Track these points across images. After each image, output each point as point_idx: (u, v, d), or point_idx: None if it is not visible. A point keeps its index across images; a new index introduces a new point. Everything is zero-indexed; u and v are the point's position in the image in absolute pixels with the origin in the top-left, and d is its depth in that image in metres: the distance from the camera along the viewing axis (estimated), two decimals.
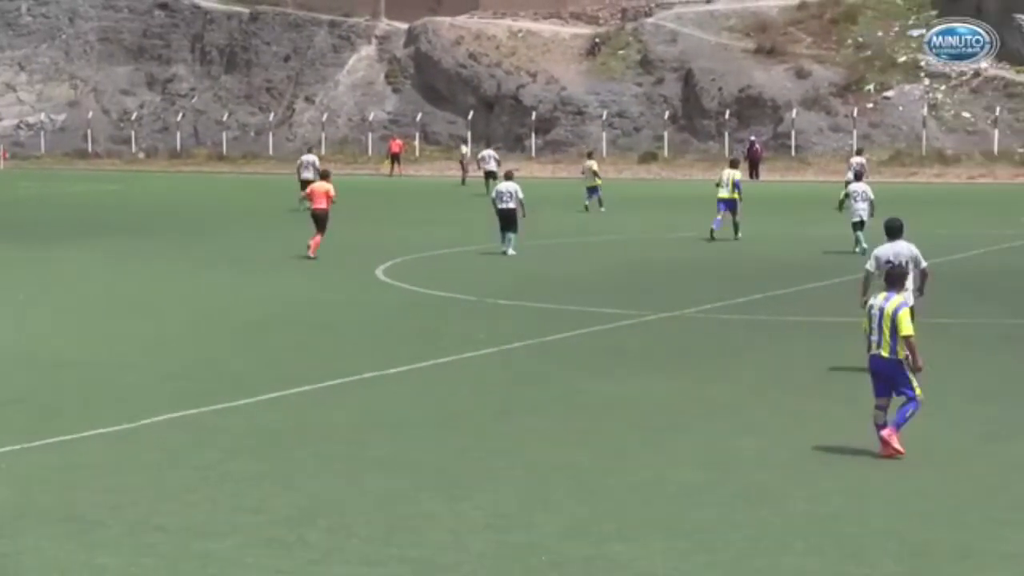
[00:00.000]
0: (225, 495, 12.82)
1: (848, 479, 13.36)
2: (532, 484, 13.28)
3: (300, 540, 11.46)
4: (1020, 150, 68.63)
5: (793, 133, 74.70)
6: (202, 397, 17.18)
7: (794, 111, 75.15)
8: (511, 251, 34.45)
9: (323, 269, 31.83)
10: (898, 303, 14.27)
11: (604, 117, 79.06)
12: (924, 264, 18.58)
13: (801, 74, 78.10)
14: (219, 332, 22.99)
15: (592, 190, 49.04)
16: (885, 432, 14.08)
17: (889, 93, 76.16)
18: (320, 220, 34.08)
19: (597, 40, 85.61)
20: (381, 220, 45.51)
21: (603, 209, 48.03)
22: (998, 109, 71.68)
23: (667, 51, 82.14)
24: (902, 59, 78.01)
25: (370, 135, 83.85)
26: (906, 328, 14.10)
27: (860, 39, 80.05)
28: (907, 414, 14.15)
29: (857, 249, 32.61)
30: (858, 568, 10.78)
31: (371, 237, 39.19)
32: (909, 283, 18.30)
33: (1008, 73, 75.66)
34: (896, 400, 14.33)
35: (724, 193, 38.64)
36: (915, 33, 79.88)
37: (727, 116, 76.47)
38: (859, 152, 57.07)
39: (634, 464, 14.02)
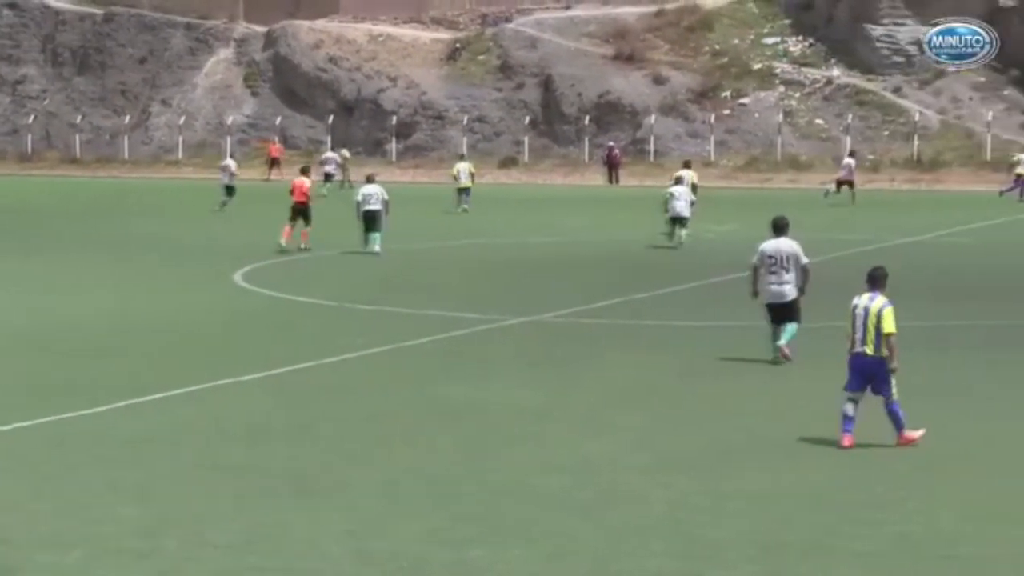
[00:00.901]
0: (75, 505, 12.54)
1: (706, 481, 13.46)
2: (391, 490, 13.18)
3: (154, 550, 11.24)
4: (870, 156, 69.92)
5: (652, 139, 75.37)
6: (53, 405, 16.80)
7: (652, 117, 75.83)
8: (377, 248, 34.94)
9: (180, 275, 31.42)
10: (883, 302, 14.71)
11: (464, 122, 79.11)
12: (805, 261, 19.59)
13: (659, 80, 78.86)
14: (70, 338, 22.53)
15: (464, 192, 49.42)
16: (902, 440, 14.67)
17: (745, 100, 77.22)
18: (303, 212, 36.30)
19: (457, 45, 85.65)
20: (241, 224, 45.04)
21: (466, 208, 48.70)
22: (849, 116, 72.99)
23: (527, 57, 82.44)
24: (757, 66, 79.12)
25: (228, 139, 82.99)
26: (889, 326, 14.56)
27: (716, 46, 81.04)
28: (897, 411, 14.70)
29: (672, 243, 36.32)
30: (715, 570, 10.85)
31: (230, 241, 38.74)
32: (791, 277, 19.41)
33: (859, 81, 77.10)
34: (859, 398, 14.78)
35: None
36: (770, 41, 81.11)
37: (586, 121, 76.93)
38: (851, 154, 58.76)
39: (494, 469, 13.99)
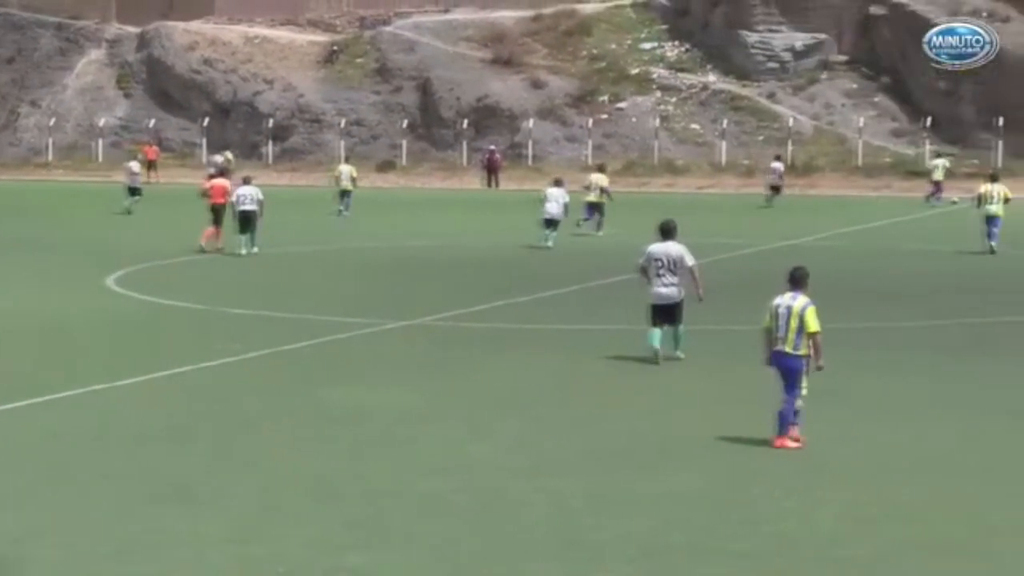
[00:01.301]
0: None
1: (587, 483, 13.49)
2: (271, 495, 13.06)
3: (25, 559, 11.01)
4: (745, 161, 70.76)
5: (530, 143, 75.58)
6: None
7: (530, 121, 76.06)
8: (255, 249, 35.17)
9: (52, 279, 30.88)
10: (805, 302, 14.97)
11: (342, 125, 78.72)
12: (692, 263, 20.06)
13: (537, 85, 79.12)
14: None
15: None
16: (776, 442, 14.75)
17: (622, 104, 77.73)
18: (219, 213, 36.67)
19: (335, 48, 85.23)
20: (116, 227, 44.42)
21: (343, 211, 48.68)
22: (724, 122, 73.77)
23: (405, 60, 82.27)
24: (634, 71, 79.68)
25: (100, 141, 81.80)
26: (813, 325, 14.83)
27: (594, 51, 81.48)
28: (789, 415, 14.83)
29: (549, 243, 37.46)
30: (595, 572, 10.89)
31: (103, 245, 38.15)
32: (676, 279, 19.89)
33: (734, 87, 77.98)
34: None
35: (592, 197, 41.65)
36: (647, 46, 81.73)
37: (465, 125, 76.96)
38: (778, 158, 59.73)
39: (374, 474, 13.91)
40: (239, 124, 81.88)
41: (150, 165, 72.28)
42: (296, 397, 17.86)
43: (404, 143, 77.93)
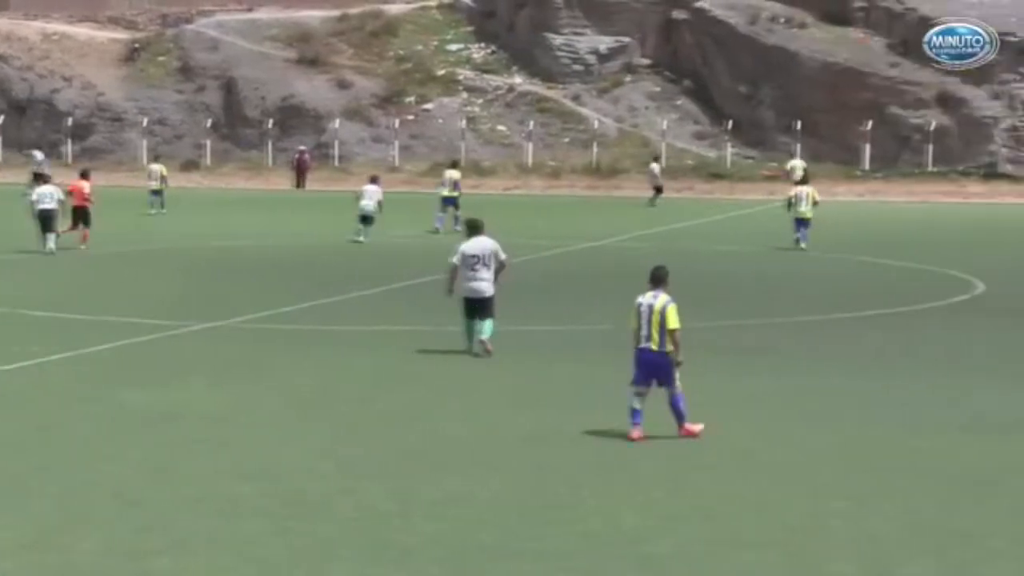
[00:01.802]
0: None
1: (394, 485, 13.48)
2: (70, 501, 12.79)
3: None
4: (551, 163, 71.38)
5: (336, 143, 75.20)
6: None
7: (336, 122, 75.68)
8: (52, 246, 35.05)
9: None
10: (666, 300, 15.47)
11: (144, 124, 77.41)
12: (504, 256, 21.12)
13: (343, 85, 78.77)
14: None
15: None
16: (684, 432, 15.43)
17: (428, 105, 77.80)
18: (84, 215, 37.15)
19: (136, 46, 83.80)
20: None
21: (151, 212, 48.19)
22: (531, 123, 74.30)
23: (208, 59, 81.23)
24: (441, 72, 79.81)
25: None
26: (673, 322, 15.34)
27: (400, 52, 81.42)
28: (681, 405, 15.44)
29: (362, 238, 38.90)
30: (404, 573, 10.88)
31: None
32: (490, 275, 20.74)
33: (540, 89, 78.58)
34: (646, 391, 15.52)
35: (445, 192, 43.80)
36: (453, 47, 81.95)
37: (270, 125, 76.26)
38: (655, 159, 61.45)
39: (178, 478, 13.71)
40: (36, 122, 79.97)
41: None
42: (97, 401, 17.51)
43: (208, 143, 76.94)
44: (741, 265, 35.45)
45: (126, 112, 79.66)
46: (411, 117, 76.81)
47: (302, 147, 72.13)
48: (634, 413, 15.46)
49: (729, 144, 71.38)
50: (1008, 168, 66.92)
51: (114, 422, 16.32)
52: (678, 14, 77.90)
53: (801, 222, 38.35)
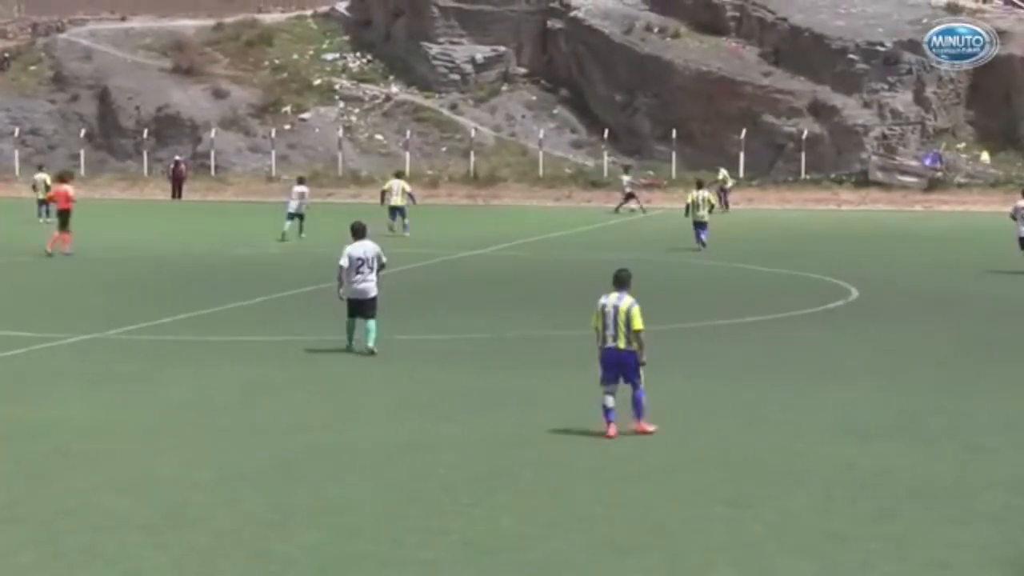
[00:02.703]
0: None
1: (272, 494, 13.39)
2: None
3: None
4: (429, 172, 71.38)
5: (213, 153, 74.55)
6: None
7: (213, 131, 75.04)
8: None
9: None
10: (631, 302, 16.04)
11: (16, 134, 76.17)
12: (384, 259, 22.19)
13: (219, 94, 78.15)
14: None
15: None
16: (639, 429, 16.02)
17: (306, 115, 77.43)
18: (67, 218, 38.54)
19: (6, 55, 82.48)
20: None
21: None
22: (408, 132, 74.22)
23: (82, 68, 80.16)
24: (317, 82, 79.49)
25: None
26: (638, 323, 15.93)
27: (277, 61, 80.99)
28: (643, 401, 16.08)
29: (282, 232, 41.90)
30: None
31: None
32: (374, 276, 21.82)
33: (417, 98, 78.56)
34: (619, 389, 16.07)
35: (397, 201, 45.28)
36: (329, 57, 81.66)
37: (145, 135, 75.41)
38: (626, 170, 62.17)
39: (54, 491, 13.51)
40: None
41: None
42: None
43: (83, 152, 75.89)
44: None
45: None
46: (288, 127, 76.40)
47: (178, 157, 71.42)
48: (607, 412, 15.98)
49: (606, 152, 71.87)
50: (879, 175, 68.07)
51: None
52: (554, 23, 78.31)
53: (699, 226, 40.45)
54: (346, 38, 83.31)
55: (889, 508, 13.14)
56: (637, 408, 16.11)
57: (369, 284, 21.80)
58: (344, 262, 21.74)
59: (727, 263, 37.28)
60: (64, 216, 38.54)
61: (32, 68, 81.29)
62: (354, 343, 21.73)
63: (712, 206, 41.13)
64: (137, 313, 26.37)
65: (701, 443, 15.90)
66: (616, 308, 16.00)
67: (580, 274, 34.17)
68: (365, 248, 21.94)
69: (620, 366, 16.03)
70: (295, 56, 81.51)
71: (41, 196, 49.46)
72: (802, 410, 17.87)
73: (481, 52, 79.11)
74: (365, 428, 16.63)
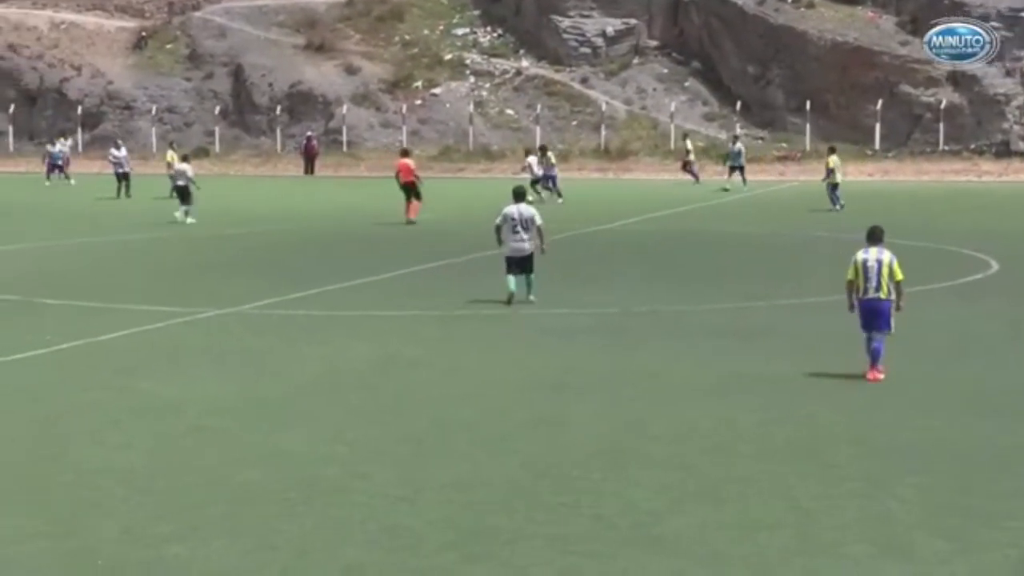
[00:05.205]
0: None
1: (403, 470, 13.48)
2: (83, 489, 12.82)
3: None
4: (560, 146, 71.33)
5: (344, 129, 75.20)
6: None
7: (345, 107, 75.65)
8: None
9: None
10: (891, 255, 17.69)
11: (154, 112, 77.48)
12: (540, 222, 24.24)
13: (351, 70, 78.76)
14: None
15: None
16: (870, 375, 17.43)
17: (437, 90, 77.76)
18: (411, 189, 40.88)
19: (144, 34, 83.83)
20: None
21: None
22: (539, 107, 74.22)
23: (216, 46, 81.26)
24: (448, 57, 79.78)
25: None
26: (900, 274, 17.62)
27: (407, 37, 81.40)
28: (881, 351, 17.48)
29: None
30: (415, 558, 10.88)
31: None
32: (527, 235, 23.99)
33: (548, 72, 78.51)
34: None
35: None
36: (460, 32, 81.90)
37: (278, 112, 76.27)
38: (736, 139, 61.49)
39: (190, 465, 13.73)
40: (47, 111, 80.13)
41: None
42: (108, 389, 17.53)
43: (217, 130, 77.00)
44: (749, 247, 35.39)
45: (135, 100, 79.74)
46: (419, 102, 76.79)
47: (310, 133, 72.14)
48: (875, 353, 17.50)
49: (739, 125, 71.25)
50: (1021, 145, 66.69)
51: (127, 409, 16.31)
52: None
53: (834, 187, 45.56)
54: (476, 12, 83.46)
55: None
56: (873, 355, 17.40)
57: (525, 243, 24.03)
58: (499, 220, 24.15)
59: (862, 237, 36.70)
60: (407, 189, 40.74)
61: (168, 47, 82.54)
62: (515, 294, 23.72)
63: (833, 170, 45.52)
64: (271, 288, 26.68)
65: (834, 419, 15.71)
66: (879, 262, 17.54)
67: (711, 246, 33.93)
68: (520, 210, 24.12)
69: (875, 314, 17.47)
70: (426, 31, 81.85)
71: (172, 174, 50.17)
72: (938, 385, 17.59)
73: (612, 25, 78.81)
74: (494, 403, 16.66)
